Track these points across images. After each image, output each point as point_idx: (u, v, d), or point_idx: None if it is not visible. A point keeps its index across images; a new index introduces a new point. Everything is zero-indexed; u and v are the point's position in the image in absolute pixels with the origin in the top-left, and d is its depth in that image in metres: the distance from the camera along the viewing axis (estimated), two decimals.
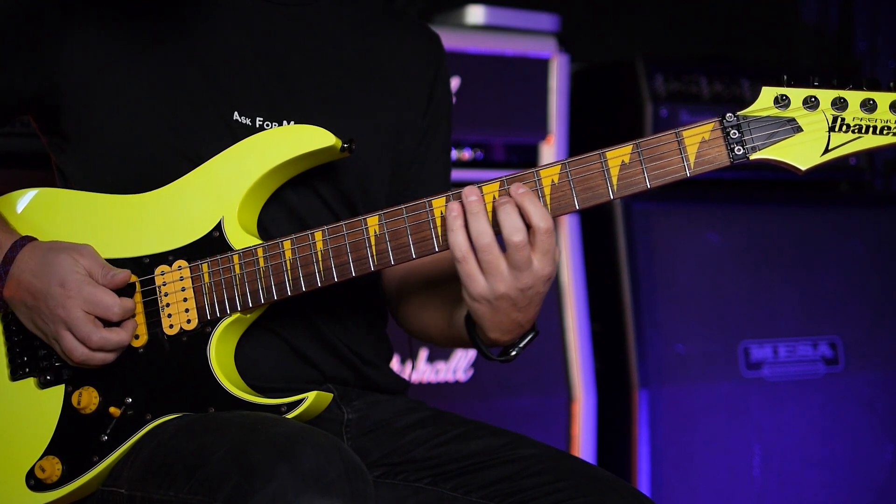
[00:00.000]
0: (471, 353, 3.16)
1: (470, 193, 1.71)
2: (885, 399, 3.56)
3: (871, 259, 3.61)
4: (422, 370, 3.12)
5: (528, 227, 1.69)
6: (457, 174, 3.11)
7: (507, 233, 1.68)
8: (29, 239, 1.85)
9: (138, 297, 1.84)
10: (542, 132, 3.29)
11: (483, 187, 1.74)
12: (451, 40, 3.10)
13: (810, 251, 3.55)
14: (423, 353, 3.12)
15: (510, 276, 1.70)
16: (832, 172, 3.77)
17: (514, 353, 1.83)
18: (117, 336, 1.79)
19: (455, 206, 1.71)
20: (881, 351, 3.58)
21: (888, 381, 3.57)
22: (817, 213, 3.60)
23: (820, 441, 3.49)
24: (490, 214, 1.72)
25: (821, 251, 3.56)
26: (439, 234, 1.76)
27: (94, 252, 1.83)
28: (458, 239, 1.70)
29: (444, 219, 1.73)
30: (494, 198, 1.72)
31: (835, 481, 3.50)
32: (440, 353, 3.14)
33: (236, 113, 1.89)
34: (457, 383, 3.15)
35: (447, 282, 1.93)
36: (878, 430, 3.55)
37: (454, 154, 3.22)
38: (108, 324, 1.80)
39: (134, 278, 1.84)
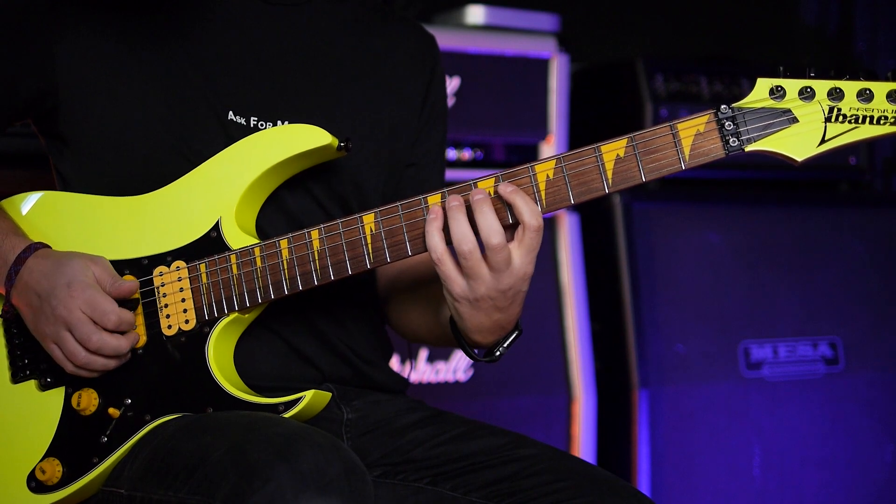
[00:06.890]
0: None
1: (452, 200, 1.72)
2: (885, 399, 3.56)
3: (871, 259, 3.60)
4: (422, 370, 3.12)
5: (518, 223, 1.70)
6: (457, 174, 3.11)
7: (485, 235, 1.68)
8: (43, 245, 1.85)
9: (136, 296, 1.84)
10: (542, 132, 3.29)
11: (478, 183, 1.74)
12: (451, 40, 3.11)
13: (810, 251, 3.55)
14: (423, 353, 3.12)
15: (491, 279, 1.70)
16: (832, 172, 3.77)
17: (498, 353, 1.83)
18: (116, 341, 1.78)
19: (435, 209, 1.72)
20: (881, 351, 3.57)
21: (888, 381, 3.57)
22: (817, 213, 3.60)
23: (820, 441, 3.48)
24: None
25: (821, 251, 3.56)
26: None
27: (107, 263, 1.83)
28: (434, 241, 1.71)
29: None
30: (489, 194, 1.72)
31: (835, 481, 3.49)
32: (440, 353, 3.13)
33: (231, 112, 1.89)
34: (457, 383, 3.15)
35: (435, 280, 1.94)
36: (878, 430, 3.55)
37: (454, 154, 3.22)
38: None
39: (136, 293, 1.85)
